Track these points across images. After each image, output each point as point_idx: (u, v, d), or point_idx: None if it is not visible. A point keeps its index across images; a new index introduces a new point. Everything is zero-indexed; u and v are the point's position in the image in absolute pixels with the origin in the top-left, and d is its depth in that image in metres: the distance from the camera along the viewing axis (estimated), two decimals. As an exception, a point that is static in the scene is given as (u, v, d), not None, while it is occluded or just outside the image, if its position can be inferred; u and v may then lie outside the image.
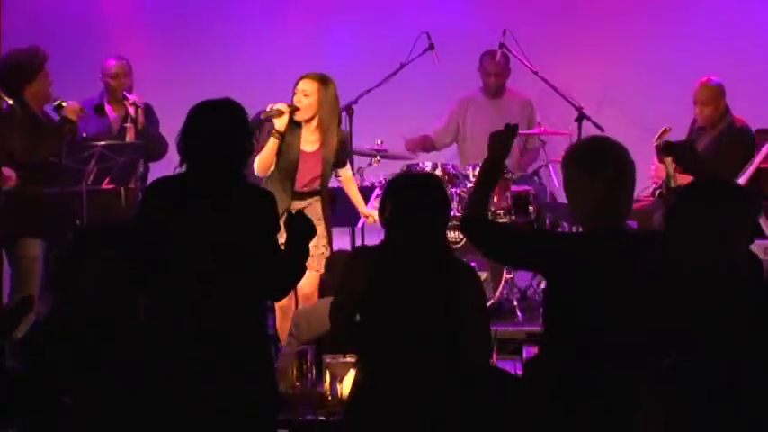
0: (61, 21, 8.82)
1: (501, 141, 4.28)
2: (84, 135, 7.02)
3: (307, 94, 6.45)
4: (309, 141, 6.53)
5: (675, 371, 3.58)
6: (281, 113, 6.39)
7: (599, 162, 3.94)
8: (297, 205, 6.38)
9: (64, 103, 6.75)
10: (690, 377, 3.55)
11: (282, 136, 6.42)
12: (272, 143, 6.43)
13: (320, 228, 6.32)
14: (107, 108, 7.35)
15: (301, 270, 4.29)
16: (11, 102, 6.79)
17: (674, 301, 3.57)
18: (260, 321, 4.24)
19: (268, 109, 6.41)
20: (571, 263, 3.90)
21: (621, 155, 3.98)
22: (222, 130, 4.18)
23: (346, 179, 6.88)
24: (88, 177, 6.64)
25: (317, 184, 6.57)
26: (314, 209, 6.49)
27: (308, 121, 6.49)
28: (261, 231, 4.13)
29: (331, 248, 6.62)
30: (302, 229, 4.23)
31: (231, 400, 4.05)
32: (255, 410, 4.13)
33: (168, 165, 7.52)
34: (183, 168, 4.24)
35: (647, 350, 3.68)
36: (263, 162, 6.45)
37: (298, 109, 6.43)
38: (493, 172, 4.29)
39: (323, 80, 6.47)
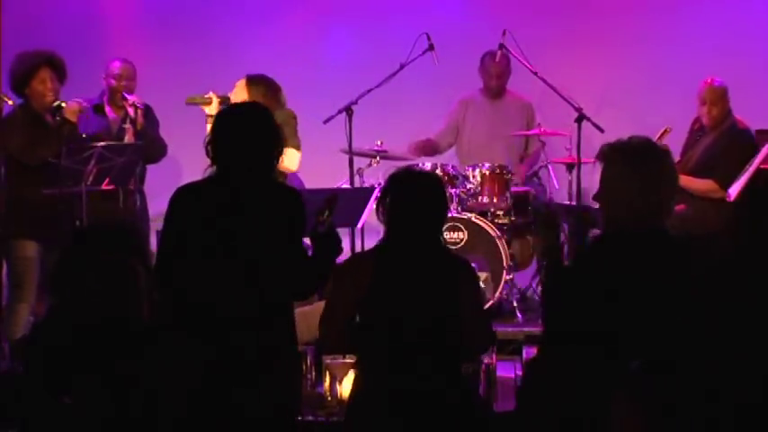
0: (61, 21, 8.81)
1: (543, 233, 4.21)
2: (84, 135, 7.02)
3: (235, 85, 6.79)
4: None
5: (646, 373, 3.60)
6: (208, 101, 6.78)
7: (642, 163, 3.94)
8: None
9: (63, 104, 6.75)
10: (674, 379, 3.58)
11: None
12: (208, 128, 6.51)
13: None
14: (107, 109, 7.35)
15: (322, 280, 4.33)
16: (11, 102, 6.81)
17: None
18: (289, 320, 4.27)
19: (198, 97, 6.80)
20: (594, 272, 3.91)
21: (666, 156, 4.00)
22: (251, 135, 4.21)
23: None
24: (88, 178, 6.64)
25: None
26: None
27: None
28: (289, 229, 4.17)
29: None
30: (328, 245, 4.26)
31: (259, 400, 4.09)
32: (282, 411, 4.17)
33: (166, 166, 7.55)
34: (212, 170, 4.25)
35: (620, 352, 3.70)
36: None
37: (227, 98, 6.75)
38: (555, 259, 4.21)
39: (251, 77, 6.81)
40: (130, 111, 7.14)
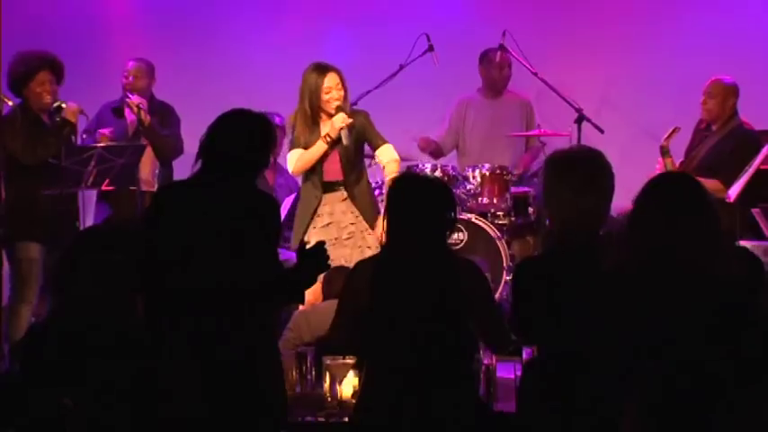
0: (61, 21, 8.82)
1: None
2: (84, 136, 7.05)
3: (340, 89, 6.45)
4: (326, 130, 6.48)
5: (649, 374, 3.61)
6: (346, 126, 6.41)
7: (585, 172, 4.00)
8: (330, 198, 6.47)
9: (63, 105, 6.76)
10: (664, 379, 3.59)
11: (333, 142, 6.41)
12: (321, 147, 6.41)
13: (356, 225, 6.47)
14: (126, 111, 7.37)
15: (295, 296, 4.32)
16: (10, 103, 6.82)
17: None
18: (266, 320, 4.26)
19: (344, 136, 6.38)
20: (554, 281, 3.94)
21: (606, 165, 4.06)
22: (240, 139, 4.21)
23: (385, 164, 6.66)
24: (88, 179, 6.65)
25: (340, 175, 6.50)
26: (347, 204, 6.50)
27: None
28: (259, 234, 4.15)
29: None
30: (314, 261, 4.25)
31: (240, 398, 4.08)
32: (264, 411, 4.16)
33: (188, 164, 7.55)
34: (197, 167, 4.26)
35: (621, 354, 3.71)
36: (305, 163, 6.46)
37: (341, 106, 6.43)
38: None
39: (339, 69, 6.51)
40: (135, 111, 7.17)
